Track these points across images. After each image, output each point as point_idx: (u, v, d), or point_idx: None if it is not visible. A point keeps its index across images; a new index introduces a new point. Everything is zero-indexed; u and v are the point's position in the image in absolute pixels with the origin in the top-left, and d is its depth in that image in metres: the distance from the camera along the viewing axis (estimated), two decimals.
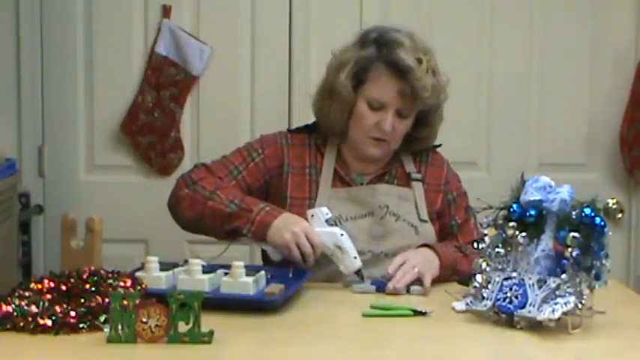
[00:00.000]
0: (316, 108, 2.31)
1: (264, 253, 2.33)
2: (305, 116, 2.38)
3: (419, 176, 2.31)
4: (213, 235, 2.24)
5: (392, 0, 3.23)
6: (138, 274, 1.97)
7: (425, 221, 2.26)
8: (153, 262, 2.00)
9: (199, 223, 2.21)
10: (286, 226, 2.10)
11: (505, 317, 1.81)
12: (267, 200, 2.24)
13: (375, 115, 2.21)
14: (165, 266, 2.02)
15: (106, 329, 1.67)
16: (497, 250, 1.88)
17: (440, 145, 2.41)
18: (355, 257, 2.11)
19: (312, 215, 2.13)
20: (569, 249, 1.76)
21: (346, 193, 2.26)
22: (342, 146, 2.31)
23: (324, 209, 2.14)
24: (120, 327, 1.64)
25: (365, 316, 1.88)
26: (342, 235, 2.11)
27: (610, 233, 1.79)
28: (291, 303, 1.96)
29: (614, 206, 1.67)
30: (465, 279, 2.03)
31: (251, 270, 1.98)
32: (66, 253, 2.03)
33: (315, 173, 2.28)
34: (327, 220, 2.13)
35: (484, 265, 1.88)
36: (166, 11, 3.21)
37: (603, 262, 1.77)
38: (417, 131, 2.29)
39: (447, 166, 2.39)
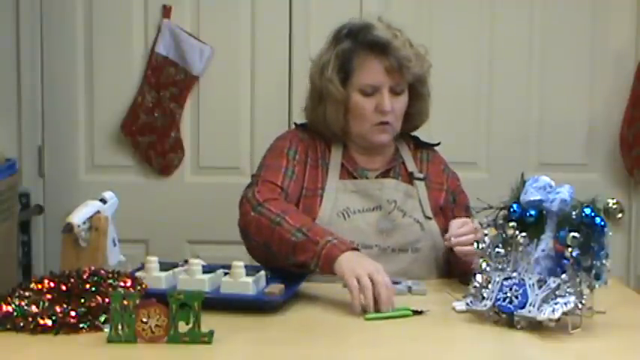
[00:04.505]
0: (311, 118, 2.32)
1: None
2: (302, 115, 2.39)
3: (421, 175, 2.33)
4: (282, 263, 2.08)
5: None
6: (138, 274, 1.97)
7: (430, 218, 2.28)
8: (153, 262, 2.00)
9: (267, 249, 2.10)
10: (350, 265, 1.95)
11: (505, 317, 1.81)
12: None
13: (371, 101, 2.23)
14: (165, 266, 2.02)
15: (106, 329, 1.68)
16: (497, 250, 1.88)
17: (439, 144, 2.43)
18: None
19: None
20: (569, 249, 1.76)
21: (354, 186, 2.27)
22: (347, 143, 2.32)
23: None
24: (120, 327, 1.64)
25: (367, 319, 1.87)
26: None
27: (610, 233, 1.79)
28: (291, 303, 1.96)
29: (614, 206, 1.68)
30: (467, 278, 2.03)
31: (251, 270, 1.98)
32: (68, 252, 2.02)
33: (325, 165, 2.29)
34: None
35: (484, 265, 1.88)
36: (166, 11, 3.21)
37: (603, 262, 1.77)
38: (410, 107, 2.30)
39: (445, 165, 2.43)
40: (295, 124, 2.43)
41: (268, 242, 2.09)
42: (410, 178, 2.32)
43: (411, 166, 2.35)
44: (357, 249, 2.03)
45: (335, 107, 2.25)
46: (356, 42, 2.24)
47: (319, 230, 2.05)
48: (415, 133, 2.42)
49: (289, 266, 2.07)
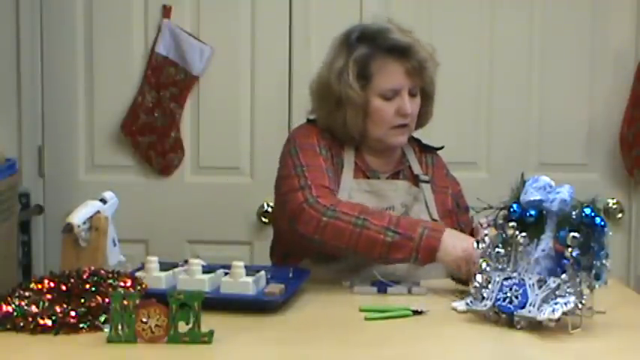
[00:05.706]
0: (328, 123, 2.29)
1: (271, 253, 2.34)
2: (305, 117, 2.38)
3: (427, 178, 2.34)
4: (369, 261, 2.13)
5: None
6: (138, 274, 1.97)
7: (436, 220, 2.29)
8: (153, 262, 2.00)
9: (348, 251, 2.10)
10: (457, 250, 2.04)
11: (505, 317, 1.81)
12: None
13: (391, 104, 2.24)
14: (165, 266, 2.02)
15: (106, 329, 1.68)
16: (497, 250, 1.88)
17: (442, 148, 2.44)
18: None
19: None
20: (569, 249, 1.76)
21: (369, 186, 2.27)
22: (359, 144, 2.31)
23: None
24: (120, 327, 1.64)
25: (367, 319, 1.87)
26: None
27: (610, 233, 1.79)
28: (291, 303, 1.96)
29: (614, 206, 1.68)
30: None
31: (251, 270, 1.98)
32: (68, 252, 2.03)
33: (340, 163, 2.28)
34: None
35: (484, 265, 1.88)
36: (166, 11, 3.21)
37: (603, 262, 1.77)
38: (420, 107, 2.31)
39: (447, 170, 2.45)
40: (308, 119, 2.41)
41: (352, 245, 2.07)
42: (416, 181, 2.33)
43: (417, 168, 2.36)
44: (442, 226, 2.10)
45: (355, 112, 2.25)
46: (374, 46, 2.23)
47: (406, 223, 2.08)
48: (415, 132, 2.43)
49: (371, 261, 2.11)
